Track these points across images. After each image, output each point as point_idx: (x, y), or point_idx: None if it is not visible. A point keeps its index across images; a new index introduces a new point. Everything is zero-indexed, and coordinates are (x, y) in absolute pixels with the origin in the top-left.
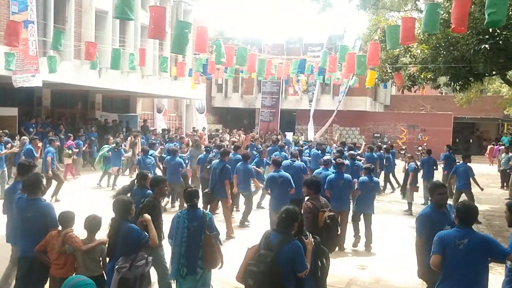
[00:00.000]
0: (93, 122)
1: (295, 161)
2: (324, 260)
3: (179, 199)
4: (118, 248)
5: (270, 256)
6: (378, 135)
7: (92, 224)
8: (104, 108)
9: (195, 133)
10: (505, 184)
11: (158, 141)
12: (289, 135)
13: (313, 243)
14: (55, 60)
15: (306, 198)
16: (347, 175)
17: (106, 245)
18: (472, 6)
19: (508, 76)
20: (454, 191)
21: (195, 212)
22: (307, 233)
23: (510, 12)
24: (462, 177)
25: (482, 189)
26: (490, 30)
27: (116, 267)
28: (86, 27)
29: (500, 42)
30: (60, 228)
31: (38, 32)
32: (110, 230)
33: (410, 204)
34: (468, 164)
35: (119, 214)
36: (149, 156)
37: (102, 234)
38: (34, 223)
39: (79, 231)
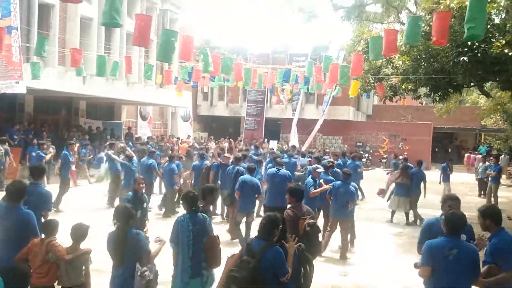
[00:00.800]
0: (78, 129)
1: (280, 169)
2: (307, 267)
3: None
4: (127, 255)
5: (252, 262)
6: (361, 144)
7: (78, 232)
8: (88, 115)
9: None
10: (482, 192)
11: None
12: (273, 143)
13: (296, 248)
14: (38, 66)
15: (288, 206)
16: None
17: (90, 255)
18: (452, 20)
19: (485, 88)
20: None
21: (196, 216)
22: (290, 237)
23: (488, 26)
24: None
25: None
26: (469, 43)
27: (138, 273)
28: (71, 34)
29: (478, 54)
30: (43, 236)
31: (22, 38)
32: (116, 238)
33: (393, 213)
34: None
35: (124, 221)
36: (133, 163)
37: (88, 243)
38: (13, 231)
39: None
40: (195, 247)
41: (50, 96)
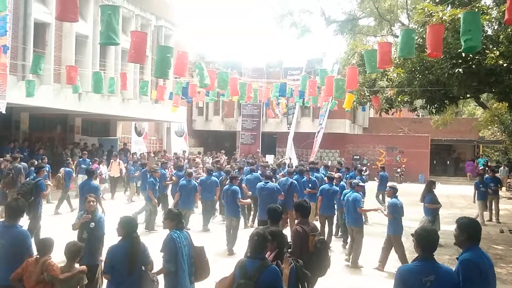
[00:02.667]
0: (74, 146)
1: (268, 182)
2: (305, 284)
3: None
4: (138, 264)
5: (250, 285)
6: (358, 157)
7: (72, 251)
8: (84, 132)
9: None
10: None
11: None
12: (270, 158)
13: (293, 267)
14: (33, 84)
15: (296, 222)
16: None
17: (85, 275)
18: (446, 32)
19: (481, 99)
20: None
21: (183, 232)
22: (286, 259)
23: (482, 38)
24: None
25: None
26: (463, 54)
27: (154, 279)
28: (66, 51)
29: (473, 66)
30: (38, 255)
31: (18, 56)
32: (132, 247)
33: None
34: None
35: (133, 232)
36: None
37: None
38: (8, 250)
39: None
40: (190, 262)
41: (46, 113)
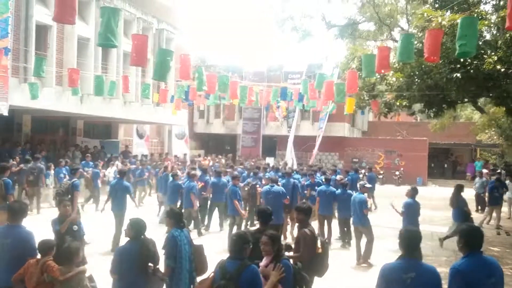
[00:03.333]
0: (76, 148)
1: (274, 186)
2: (303, 286)
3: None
4: (146, 263)
5: (231, 285)
6: (357, 160)
7: (70, 252)
8: (85, 134)
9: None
10: (479, 207)
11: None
12: (270, 160)
13: (292, 267)
14: (36, 87)
15: (299, 224)
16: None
17: (85, 274)
18: (444, 37)
19: (479, 103)
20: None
21: (184, 231)
22: (278, 267)
23: (480, 43)
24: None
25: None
26: (462, 59)
27: (161, 276)
28: (68, 54)
29: (471, 71)
30: (39, 256)
31: (20, 58)
32: (141, 249)
33: None
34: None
35: (143, 233)
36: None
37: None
38: (12, 251)
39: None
40: (190, 259)
41: (48, 116)
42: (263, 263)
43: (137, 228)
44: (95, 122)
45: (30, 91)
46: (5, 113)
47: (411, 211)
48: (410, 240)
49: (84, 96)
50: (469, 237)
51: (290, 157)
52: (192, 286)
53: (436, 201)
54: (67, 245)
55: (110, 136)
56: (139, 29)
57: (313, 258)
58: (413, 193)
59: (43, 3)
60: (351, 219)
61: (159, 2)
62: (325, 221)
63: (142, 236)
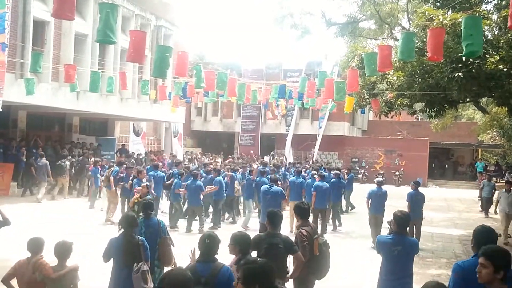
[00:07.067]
0: (72, 145)
1: (273, 186)
2: None
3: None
4: (134, 257)
5: None
6: (356, 159)
7: (62, 250)
8: (81, 131)
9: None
10: (488, 211)
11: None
12: (267, 159)
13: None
14: (32, 82)
15: (298, 224)
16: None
17: (77, 272)
18: (446, 36)
19: (481, 103)
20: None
21: (150, 220)
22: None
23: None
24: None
25: None
26: (463, 59)
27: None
28: (65, 50)
29: (473, 70)
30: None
31: (16, 54)
32: (126, 243)
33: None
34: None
35: (131, 228)
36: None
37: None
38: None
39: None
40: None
41: (44, 112)
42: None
43: (124, 222)
44: (91, 119)
45: (26, 86)
46: (0, 109)
47: (414, 201)
48: (404, 220)
49: (81, 92)
50: (479, 237)
51: (288, 156)
52: (153, 274)
53: (436, 202)
54: (60, 242)
55: (106, 133)
56: (137, 25)
57: (310, 259)
58: (416, 186)
59: None
60: (370, 210)
61: None
62: (319, 215)
63: (129, 230)
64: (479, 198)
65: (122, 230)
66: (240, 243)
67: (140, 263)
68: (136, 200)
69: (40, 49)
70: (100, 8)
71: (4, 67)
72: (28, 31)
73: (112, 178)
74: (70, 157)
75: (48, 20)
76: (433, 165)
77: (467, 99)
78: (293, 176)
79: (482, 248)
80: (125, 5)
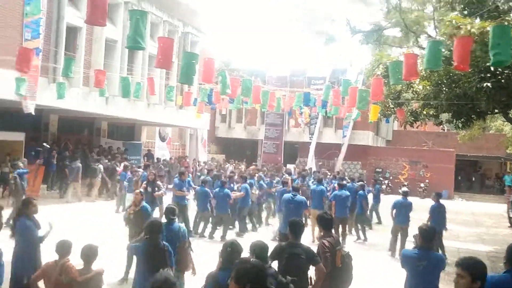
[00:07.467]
0: (100, 149)
1: (296, 195)
2: None
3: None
4: (162, 263)
5: None
6: (380, 170)
7: (89, 253)
8: (109, 135)
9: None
10: None
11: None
12: (291, 167)
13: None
14: (64, 87)
15: (320, 235)
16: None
17: (103, 276)
18: (474, 45)
19: (510, 115)
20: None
21: (171, 225)
22: None
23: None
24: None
25: None
26: (492, 68)
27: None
28: (96, 55)
29: (502, 80)
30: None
31: (50, 59)
32: (153, 249)
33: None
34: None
35: (158, 234)
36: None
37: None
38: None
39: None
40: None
41: (74, 116)
42: None
43: (153, 229)
44: (119, 124)
45: (57, 90)
46: (32, 112)
47: (437, 213)
48: (429, 234)
49: (110, 97)
50: (510, 253)
51: (311, 164)
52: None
53: (463, 216)
54: (87, 246)
55: (133, 138)
56: (165, 32)
57: (332, 271)
58: (437, 198)
59: (74, 5)
60: (396, 220)
61: (185, 6)
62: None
63: (154, 236)
64: (508, 213)
65: (147, 236)
66: (256, 252)
67: (166, 269)
68: (131, 212)
69: (72, 54)
70: (130, 15)
71: (38, 71)
72: (61, 36)
73: (140, 183)
74: (107, 160)
75: (81, 26)
76: (459, 178)
77: (496, 110)
78: (314, 184)
79: (459, 258)
80: (154, 11)
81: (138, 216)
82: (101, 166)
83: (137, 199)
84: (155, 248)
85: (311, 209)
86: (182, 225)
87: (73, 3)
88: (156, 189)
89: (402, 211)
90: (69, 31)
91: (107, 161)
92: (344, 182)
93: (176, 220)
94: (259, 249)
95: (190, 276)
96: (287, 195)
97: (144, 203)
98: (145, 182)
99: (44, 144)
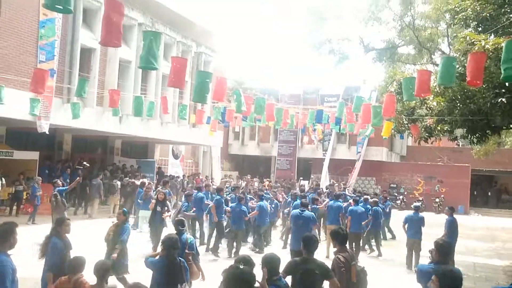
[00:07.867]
0: (113, 168)
1: (304, 211)
2: None
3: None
4: (179, 278)
5: None
6: (395, 185)
7: (101, 269)
8: (123, 154)
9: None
10: None
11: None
12: (305, 183)
13: None
14: (78, 107)
15: (335, 250)
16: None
17: None
18: (488, 61)
19: None
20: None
21: (180, 236)
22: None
23: None
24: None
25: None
26: (507, 84)
27: None
28: (110, 76)
29: None
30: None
31: (64, 80)
32: (174, 265)
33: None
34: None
35: (174, 250)
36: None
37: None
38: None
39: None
40: None
41: (88, 135)
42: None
43: (172, 244)
44: (132, 142)
45: (72, 110)
46: (46, 131)
47: (452, 228)
48: (446, 248)
49: (123, 116)
50: None
51: (325, 181)
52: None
53: (479, 230)
54: (99, 262)
55: (146, 156)
56: (179, 52)
57: (347, 286)
58: (451, 211)
59: (88, 27)
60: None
61: (198, 26)
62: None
63: (172, 252)
64: None
65: (164, 251)
66: (268, 264)
67: (184, 284)
68: (111, 232)
69: (86, 75)
70: (144, 36)
71: (52, 92)
72: (75, 57)
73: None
74: (127, 178)
75: (95, 47)
76: (475, 193)
77: (511, 125)
78: (331, 200)
79: (440, 268)
80: (167, 32)
81: (116, 234)
82: (119, 183)
83: (119, 219)
84: (172, 264)
85: (327, 225)
86: (191, 237)
87: (87, 25)
88: (166, 208)
89: (414, 225)
90: (83, 52)
91: (127, 178)
92: (362, 198)
93: (185, 232)
94: (271, 261)
95: (200, 282)
96: (295, 211)
97: (126, 224)
98: (153, 201)
99: (84, 163)
